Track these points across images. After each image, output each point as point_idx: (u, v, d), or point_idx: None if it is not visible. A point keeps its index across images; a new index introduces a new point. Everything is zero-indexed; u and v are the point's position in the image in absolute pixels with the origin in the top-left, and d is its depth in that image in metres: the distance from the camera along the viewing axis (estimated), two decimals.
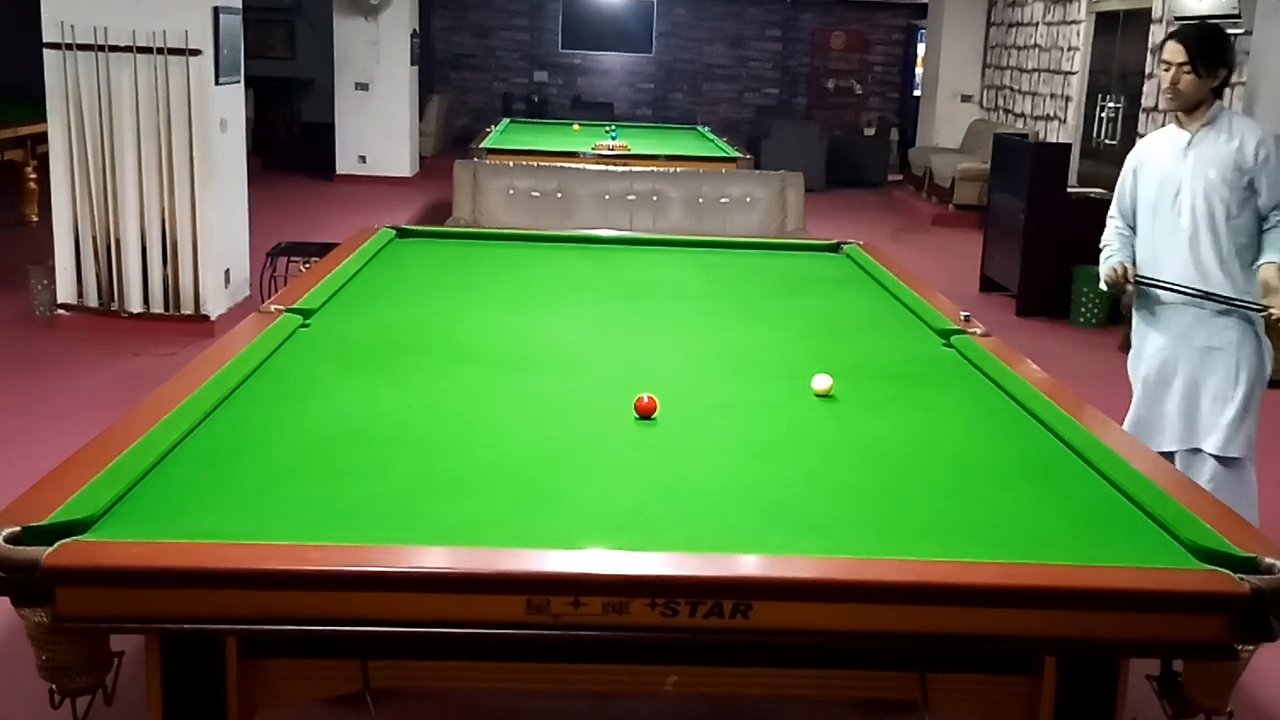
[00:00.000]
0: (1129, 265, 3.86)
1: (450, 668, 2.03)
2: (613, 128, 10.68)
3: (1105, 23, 10.63)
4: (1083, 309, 7.91)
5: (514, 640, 1.91)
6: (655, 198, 7.03)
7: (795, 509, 2.23)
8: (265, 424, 2.56)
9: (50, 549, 1.83)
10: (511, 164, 7.54)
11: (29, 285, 6.81)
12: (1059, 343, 7.41)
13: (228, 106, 6.85)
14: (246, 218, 7.39)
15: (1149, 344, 3.92)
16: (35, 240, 8.17)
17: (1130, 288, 3.86)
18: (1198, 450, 3.83)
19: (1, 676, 3.23)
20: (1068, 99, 11.22)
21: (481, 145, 8.56)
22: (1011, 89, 12.99)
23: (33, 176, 9.51)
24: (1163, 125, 4.09)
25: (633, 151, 8.69)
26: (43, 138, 7.11)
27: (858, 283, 4.36)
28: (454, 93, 16.64)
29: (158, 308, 6.67)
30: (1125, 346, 4.23)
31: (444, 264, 4.47)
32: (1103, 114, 10.31)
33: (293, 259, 6.61)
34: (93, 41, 6.33)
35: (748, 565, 1.95)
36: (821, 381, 2.89)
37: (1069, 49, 11.28)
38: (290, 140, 15.17)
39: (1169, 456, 3.82)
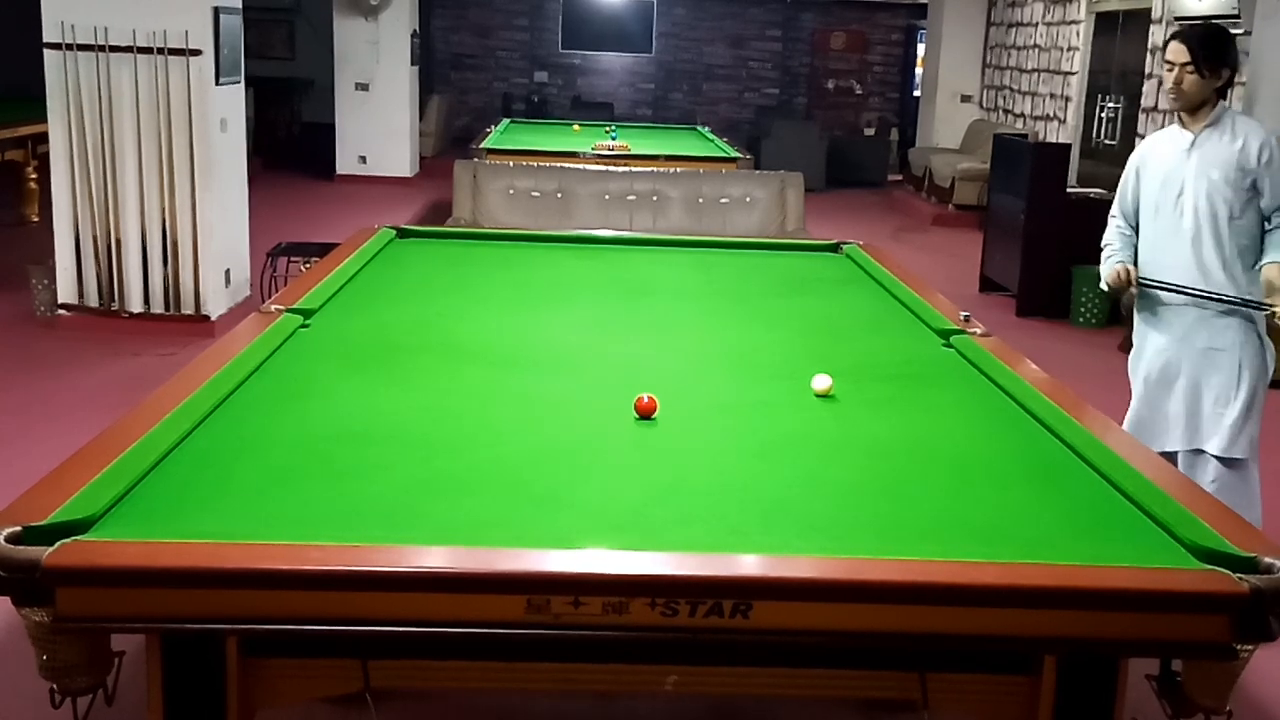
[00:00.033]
0: (1131, 268, 3.86)
1: (450, 668, 2.03)
2: (613, 128, 10.68)
3: (1105, 23, 10.63)
4: (1082, 309, 7.91)
5: (514, 640, 1.91)
6: (655, 198, 7.03)
7: (795, 509, 2.23)
8: (265, 424, 2.56)
9: (51, 549, 1.83)
10: (511, 164, 7.54)
11: (29, 285, 6.81)
12: (1059, 343, 7.41)
13: (228, 106, 6.85)
14: (247, 218, 7.39)
15: (1150, 344, 3.92)
16: (36, 240, 8.16)
17: (1133, 290, 3.86)
18: (1200, 451, 3.83)
19: (2, 676, 3.23)
20: (1067, 99, 11.22)
21: (481, 145, 8.56)
22: (1011, 89, 12.99)
23: (33, 177, 9.51)
24: (1162, 125, 4.10)
25: (633, 151, 8.69)
26: (43, 138, 7.11)
27: (858, 283, 4.36)
28: (454, 93, 16.65)
29: (158, 308, 6.67)
30: (1125, 346, 4.23)
31: (444, 264, 4.47)
32: (1102, 114, 10.31)
33: (293, 259, 6.61)
34: (93, 41, 6.33)
35: (748, 565, 1.95)
36: (821, 381, 2.89)
37: (1069, 49, 11.28)
38: (290, 140, 15.17)
39: (1172, 457, 3.82)
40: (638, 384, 2.76)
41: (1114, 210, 4.05)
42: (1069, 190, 8.38)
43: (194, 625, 1.88)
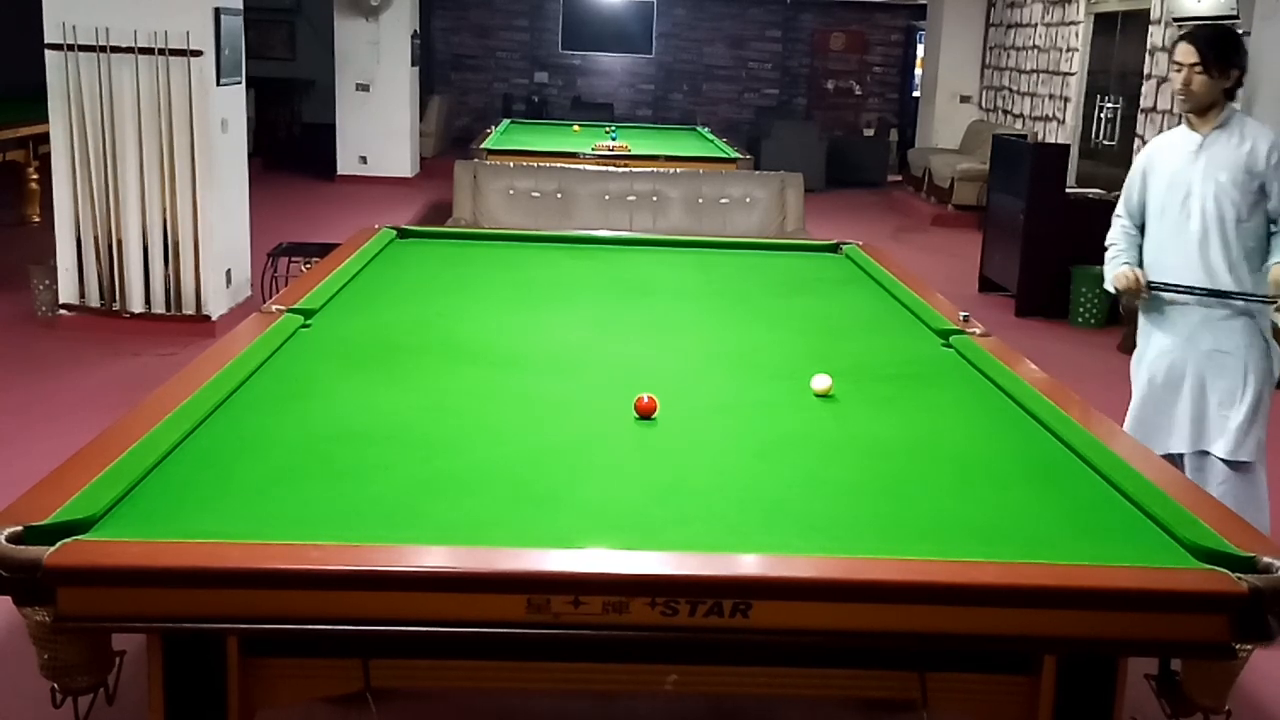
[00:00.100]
0: (1139, 271, 3.84)
1: (450, 667, 2.03)
2: (613, 128, 10.68)
3: (1104, 24, 10.63)
4: (1082, 309, 7.91)
5: (514, 640, 1.91)
6: (655, 198, 7.03)
7: (795, 509, 2.23)
8: (266, 424, 2.56)
9: (52, 549, 1.83)
10: (512, 164, 7.54)
11: (30, 285, 6.82)
12: (1058, 343, 7.41)
13: (229, 107, 6.85)
14: (247, 218, 7.39)
15: (1154, 345, 3.91)
16: (37, 240, 8.17)
17: (1146, 296, 3.85)
18: (1207, 453, 3.82)
19: (2, 676, 3.23)
20: (1066, 100, 11.23)
21: (482, 146, 8.56)
22: (1010, 90, 13.00)
23: (34, 177, 9.52)
24: (1161, 126, 4.09)
25: (633, 152, 8.69)
26: (44, 138, 7.12)
27: (857, 283, 4.37)
28: (454, 93, 16.65)
29: (159, 308, 6.67)
30: (1124, 346, 4.23)
31: (444, 264, 4.48)
32: (1101, 115, 10.31)
33: (294, 259, 6.61)
34: (94, 42, 6.34)
35: (747, 565, 1.95)
36: (821, 381, 2.89)
37: (1068, 50, 11.28)
38: (291, 141, 15.18)
39: (1178, 460, 3.81)
40: (638, 384, 2.76)
41: (1119, 210, 4.04)
42: (1068, 190, 8.37)
43: (194, 625, 1.88)
